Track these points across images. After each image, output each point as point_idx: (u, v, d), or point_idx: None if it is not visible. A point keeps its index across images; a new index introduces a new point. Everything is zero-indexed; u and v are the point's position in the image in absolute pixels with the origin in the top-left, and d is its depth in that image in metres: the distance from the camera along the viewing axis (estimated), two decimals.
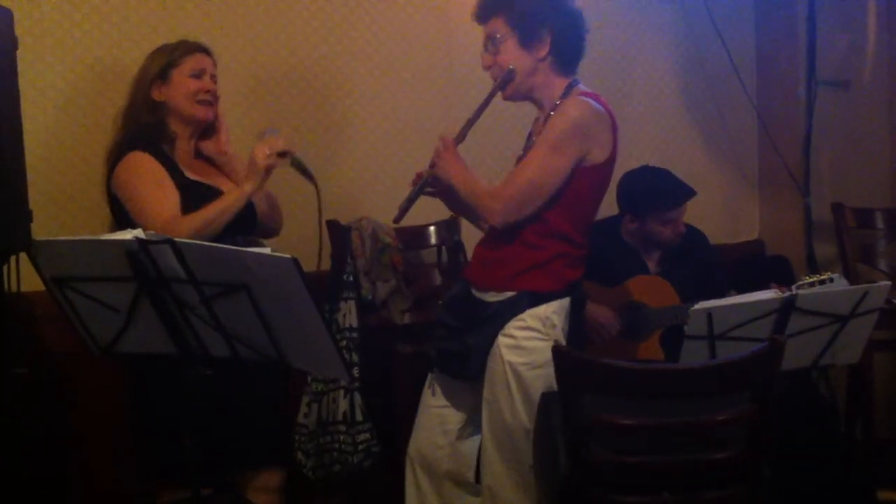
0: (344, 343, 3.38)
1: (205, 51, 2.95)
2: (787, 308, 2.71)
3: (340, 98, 3.71)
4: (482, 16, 2.72)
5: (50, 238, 2.32)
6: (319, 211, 2.86)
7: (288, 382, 3.17)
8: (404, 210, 2.72)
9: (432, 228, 3.80)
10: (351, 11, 3.71)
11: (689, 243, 3.60)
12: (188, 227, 2.66)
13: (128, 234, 2.14)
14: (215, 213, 2.74)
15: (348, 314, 3.42)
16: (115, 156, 2.82)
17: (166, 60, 2.88)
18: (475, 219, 2.84)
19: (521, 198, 2.62)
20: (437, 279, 3.79)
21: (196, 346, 2.28)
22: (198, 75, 2.89)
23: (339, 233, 3.52)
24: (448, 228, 3.80)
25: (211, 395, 2.43)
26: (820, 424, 3.63)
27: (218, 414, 2.66)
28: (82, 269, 2.21)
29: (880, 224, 4.27)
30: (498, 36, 2.67)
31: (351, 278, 3.46)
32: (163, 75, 2.87)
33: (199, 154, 2.96)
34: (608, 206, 3.65)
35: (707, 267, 3.66)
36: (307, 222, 3.58)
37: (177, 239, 2.14)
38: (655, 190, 3.51)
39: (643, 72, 4.31)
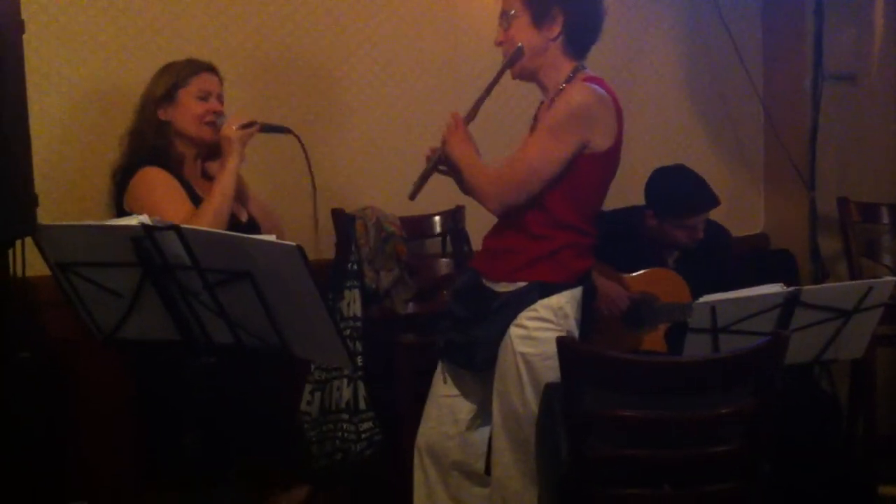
0: (348, 332, 3.38)
1: (212, 70, 2.96)
2: (791, 302, 2.70)
3: (346, 87, 3.71)
4: None
5: (55, 223, 2.33)
6: (307, 159, 2.92)
7: (292, 376, 3.16)
8: (418, 187, 2.71)
9: (437, 218, 3.80)
10: (356, 0, 3.71)
11: (710, 242, 3.58)
12: (203, 222, 2.70)
13: (133, 220, 2.14)
14: (218, 199, 2.78)
15: (352, 303, 3.42)
16: (127, 173, 2.85)
17: (173, 80, 2.90)
18: (476, 200, 2.81)
19: (518, 183, 2.61)
20: (441, 269, 3.79)
21: (199, 334, 2.28)
22: (204, 97, 2.91)
23: (343, 221, 3.52)
24: (452, 218, 3.80)
25: (213, 388, 2.44)
26: (821, 420, 3.63)
27: (219, 408, 2.66)
28: (87, 255, 2.22)
29: (885, 219, 4.25)
30: (512, 12, 2.67)
31: (355, 267, 3.46)
32: (169, 96, 2.90)
33: (205, 175, 2.99)
34: (625, 198, 3.66)
35: (725, 265, 3.65)
36: (311, 212, 3.59)
37: (182, 225, 2.14)
38: (677, 195, 3.49)
39: (649, 65, 4.30)
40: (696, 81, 4.39)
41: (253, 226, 3.01)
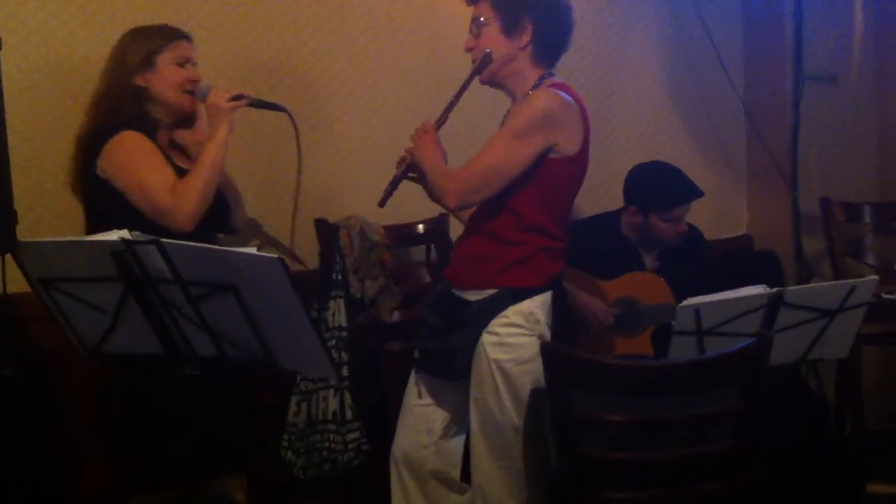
0: (333, 342, 3.37)
1: (187, 38, 2.90)
2: (775, 303, 2.71)
3: (328, 96, 3.71)
4: None
5: (35, 239, 2.32)
6: (297, 138, 2.92)
7: (254, 389, 3.10)
8: (388, 193, 2.74)
9: (421, 226, 3.80)
10: (339, 8, 3.71)
11: (687, 242, 3.60)
12: (194, 191, 2.69)
13: (113, 235, 2.14)
14: (208, 169, 2.73)
15: (337, 313, 3.41)
16: (100, 138, 2.75)
17: (150, 46, 2.83)
18: (437, 200, 2.79)
19: (477, 182, 2.62)
20: (426, 277, 3.78)
21: (183, 347, 2.27)
22: (182, 64, 2.85)
23: (327, 231, 3.52)
24: (436, 225, 3.80)
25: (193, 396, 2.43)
26: (809, 418, 3.64)
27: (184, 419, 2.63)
28: (68, 270, 2.21)
29: (868, 218, 4.27)
30: (482, 19, 2.69)
31: (339, 277, 3.45)
32: (146, 62, 2.81)
33: (173, 144, 2.92)
34: (609, 201, 3.67)
35: (705, 265, 3.66)
36: (300, 222, 3.59)
37: (163, 240, 2.13)
38: (665, 186, 3.52)
39: (630, 67, 4.31)
40: (678, 85, 4.40)
41: (222, 199, 2.93)
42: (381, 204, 2.75)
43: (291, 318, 2.14)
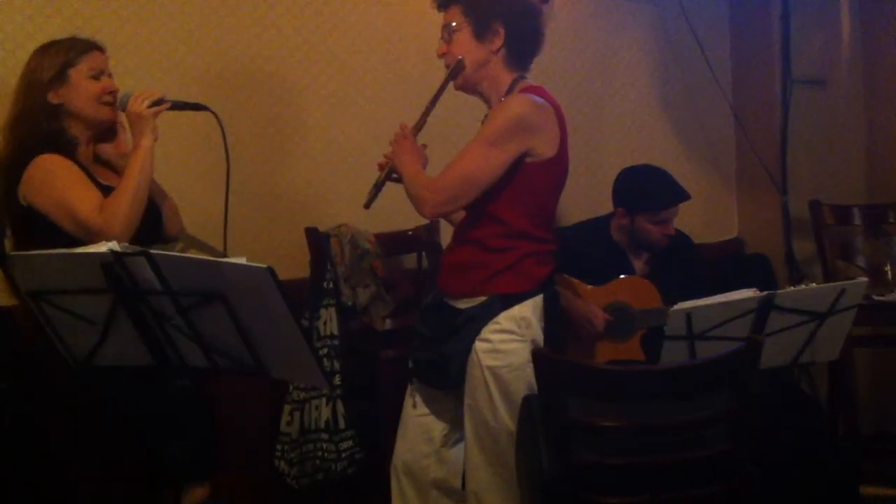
0: (325, 351, 3.37)
1: (99, 48, 2.79)
2: (765, 307, 2.72)
3: (316, 104, 3.71)
4: (441, 3, 2.75)
5: (24, 252, 2.31)
6: (224, 137, 2.78)
7: (207, 396, 3.06)
8: (373, 195, 2.76)
9: (411, 233, 3.80)
10: (328, 15, 3.71)
11: (677, 246, 3.61)
12: (122, 207, 2.58)
13: (102, 247, 2.13)
14: (136, 181, 2.62)
15: (329, 322, 3.41)
16: (20, 163, 2.64)
17: (62, 60, 2.71)
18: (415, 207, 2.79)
19: (452, 191, 2.63)
20: (418, 284, 3.79)
21: (174, 358, 2.27)
22: (96, 76, 2.74)
23: (317, 240, 3.52)
24: (428, 234, 3.80)
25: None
26: (803, 421, 3.64)
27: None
28: (58, 283, 2.21)
29: (858, 220, 4.28)
30: (453, 25, 2.70)
31: (331, 285, 3.46)
32: (59, 77, 2.69)
33: (97, 159, 2.83)
34: (600, 207, 3.67)
35: (694, 268, 3.67)
36: (290, 229, 3.59)
37: (152, 251, 2.13)
38: (651, 188, 3.53)
39: (620, 74, 4.32)
40: (667, 90, 4.41)
41: (153, 207, 2.82)
42: (367, 206, 2.76)
43: (282, 328, 2.14)
